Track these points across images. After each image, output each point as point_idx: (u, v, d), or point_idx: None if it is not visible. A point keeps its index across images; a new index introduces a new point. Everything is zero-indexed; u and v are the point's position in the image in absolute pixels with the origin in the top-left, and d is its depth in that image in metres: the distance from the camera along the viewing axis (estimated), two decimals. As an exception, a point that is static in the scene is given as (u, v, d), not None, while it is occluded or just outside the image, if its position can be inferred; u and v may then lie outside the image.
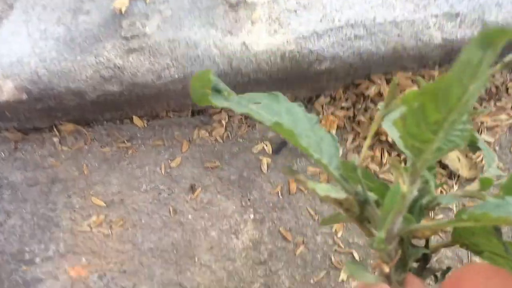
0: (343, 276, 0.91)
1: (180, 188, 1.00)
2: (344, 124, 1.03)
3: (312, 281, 0.91)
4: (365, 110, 1.01)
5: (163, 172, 1.01)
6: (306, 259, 0.93)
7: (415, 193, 0.44)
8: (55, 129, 1.05)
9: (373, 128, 0.54)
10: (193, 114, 1.07)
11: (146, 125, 1.06)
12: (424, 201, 0.58)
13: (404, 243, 0.61)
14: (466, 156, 0.96)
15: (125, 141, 1.04)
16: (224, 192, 0.99)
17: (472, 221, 0.39)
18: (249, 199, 0.98)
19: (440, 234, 0.94)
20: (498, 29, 0.34)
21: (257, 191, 0.99)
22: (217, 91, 0.41)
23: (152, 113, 1.06)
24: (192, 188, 1.00)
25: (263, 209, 0.98)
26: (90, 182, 1.01)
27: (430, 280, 0.81)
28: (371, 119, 1.00)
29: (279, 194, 0.99)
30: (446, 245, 0.70)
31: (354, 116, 1.02)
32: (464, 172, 0.95)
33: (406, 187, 0.42)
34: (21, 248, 0.94)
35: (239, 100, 0.43)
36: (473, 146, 0.71)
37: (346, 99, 1.03)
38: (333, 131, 1.02)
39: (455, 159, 0.96)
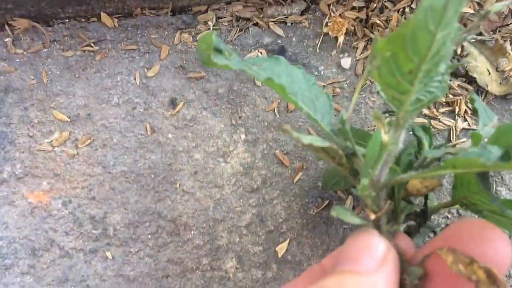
0: (348, 203, 0.78)
1: (159, 102, 0.84)
2: (355, 29, 0.85)
3: (312, 211, 0.79)
4: (381, 11, 0.84)
5: (138, 82, 0.85)
6: (305, 187, 0.80)
7: (400, 145, 0.48)
8: (6, 27, 0.86)
9: (360, 84, 0.54)
10: (173, 13, 0.89)
11: (117, 25, 0.88)
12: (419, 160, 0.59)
13: (395, 197, 0.59)
14: (497, 69, 0.81)
15: (92, 44, 0.86)
16: (210, 108, 0.84)
17: (450, 168, 0.41)
18: (240, 117, 0.83)
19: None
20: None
21: (250, 107, 0.84)
22: (219, 51, 0.46)
23: (124, 9, 0.87)
24: (173, 103, 0.84)
25: (257, 128, 0.83)
26: (50, 92, 0.84)
27: (428, 238, 0.67)
28: (387, 22, 0.83)
29: (275, 111, 0.83)
30: (446, 205, 0.61)
31: (368, 18, 0.85)
32: (494, 87, 0.80)
33: (387, 137, 0.46)
34: (-30, 169, 0.80)
35: (239, 60, 0.46)
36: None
37: (358, -2, 0.85)
38: (341, 38, 0.85)
39: (484, 72, 0.81)
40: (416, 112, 0.49)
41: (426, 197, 0.68)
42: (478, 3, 0.82)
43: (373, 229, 0.47)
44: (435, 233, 0.72)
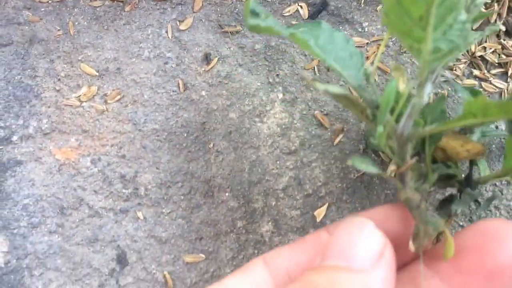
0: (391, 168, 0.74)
1: (192, 57, 0.79)
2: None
3: (352, 176, 0.75)
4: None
5: (169, 36, 0.80)
6: (346, 150, 0.76)
7: (425, 98, 0.47)
8: (30, -25, 0.81)
9: (386, 38, 0.54)
10: (208, -38, 0.83)
11: (147, -25, 0.82)
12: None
13: (426, 154, 0.57)
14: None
15: (121, -6, 0.82)
16: (246, 65, 0.79)
17: (471, 117, 0.42)
18: (277, 75, 0.79)
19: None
20: None
21: (288, 65, 0.79)
22: (256, 14, 0.46)
23: (156, -42, 0.82)
24: (207, 58, 0.79)
25: (295, 87, 0.78)
26: (77, 44, 0.80)
27: (472, 206, 0.63)
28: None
29: (315, 70, 0.79)
30: (496, 176, 0.56)
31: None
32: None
33: (404, 86, 0.47)
34: (-5, 122, 0.76)
35: (276, 23, 0.46)
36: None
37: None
38: None
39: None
40: (438, 64, 0.47)
41: (471, 163, 0.64)
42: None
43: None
44: (478, 202, 0.68)
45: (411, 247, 0.47)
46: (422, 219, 0.49)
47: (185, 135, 0.76)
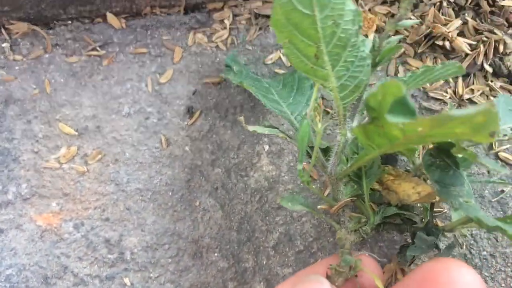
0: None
1: (173, 111, 0.77)
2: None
3: (343, 229, 0.73)
4: (415, 6, 0.76)
5: (149, 89, 0.78)
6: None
7: (349, 136, 0.52)
8: (3, 31, 0.79)
9: (315, 93, 0.57)
10: (186, 11, 0.81)
11: (124, 26, 0.80)
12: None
13: (364, 195, 0.57)
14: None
15: (98, 48, 0.79)
16: (230, 117, 0.77)
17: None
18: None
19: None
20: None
21: (273, 114, 0.77)
22: (229, 67, 0.63)
23: (132, 8, 0.79)
24: (189, 111, 0.77)
25: (281, 139, 0.76)
26: (54, 103, 0.77)
27: (433, 253, 0.63)
28: (422, 18, 0.76)
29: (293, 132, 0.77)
30: (462, 223, 0.54)
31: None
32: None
33: (319, 125, 0.51)
34: (-28, 190, 0.73)
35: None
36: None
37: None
38: (371, 35, 0.78)
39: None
40: (349, 100, 0.50)
41: (431, 206, 0.63)
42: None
43: (324, 278, 0.49)
44: (438, 249, 0.65)
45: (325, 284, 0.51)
46: (341, 259, 0.53)
47: (170, 193, 0.74)
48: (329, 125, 0.76)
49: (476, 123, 0.32)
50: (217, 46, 0.79)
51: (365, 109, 0.42)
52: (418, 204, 0.64)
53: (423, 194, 0.55)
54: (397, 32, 0.76)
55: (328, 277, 0.54)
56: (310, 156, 0.57)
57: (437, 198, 0.58)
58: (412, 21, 0.53)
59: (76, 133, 0.76)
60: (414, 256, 0.61)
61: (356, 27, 0.47)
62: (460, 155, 0.53)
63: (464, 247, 0.71)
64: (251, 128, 0.55)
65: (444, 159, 0.52)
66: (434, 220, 0.63)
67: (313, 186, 0.53)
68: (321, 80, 0.50)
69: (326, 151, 0.60)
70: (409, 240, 0.68)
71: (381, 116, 0.39)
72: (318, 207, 0.70)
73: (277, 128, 0.60)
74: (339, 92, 0.50)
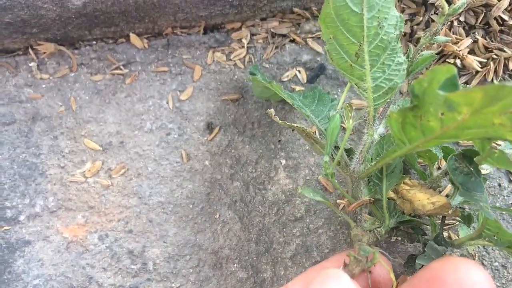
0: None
1: (193, 127, 0.80)
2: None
3: (359, 241, 0.75)
4: (427, 25, 0.79)
5: (170, 106, 0.81)
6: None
7: (376, 137, 0.56)
8: (31, 51, 0.83)
9: (347, 87, 0.65)
10: (205, 31, 0.84)
11: (146, 46, 0.84)
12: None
13: (383, 196, 0.59)
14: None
15: (121, 67, 0.83)
16: (248, 132, 0.80)
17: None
18: (279, 141, 0.79)
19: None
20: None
21: (289, 130, 0.80)
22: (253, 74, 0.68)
23: (154, 29, 0.83)
24: (209, 127, 0.80)
25: (297, 153, 0.79)
26: (80, 119, 0.81)
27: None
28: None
29: (317, 133, 0.79)
30: (471, 238, 0.56)
31: (412, 32, 0.80)
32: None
33: (350, 121, 0.54)
34: (1, 203, 0.76)
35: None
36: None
37: (403, 10, 0.80)
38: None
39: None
40: (381, 101, 0.55)
41: (443, 219, 0.65)
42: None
43: (343, 271, 0.49)
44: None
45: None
46: (358, 250, 0.54)
47: (191, 206, 0.77)
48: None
49: None
50: (235, 64, 0.83)
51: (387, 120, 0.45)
52: (427, 218, 0.66)
53: (438, 205, 0.57)
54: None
55: (345, 266, 0.54)
56: (333, 158, 0.59)
57: (450, 211, 0.61)
58: (445, 38, 0.57)
59: (101, 148, 0.79)
60: (422, 265, 0.63)
61: (397, 32, 0.52)
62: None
63: (476, 258, 0.73)
64: (280, 121, 0.57)
65: (467, 166, 0.55)
66: (444, 233, 0.65)
67: (335, 181, 0.55)
68: (357, 80, 0.54)
69: (349, 152, 0.62)
70: (416, 252, 0.71)
71: (423, 104, 0.41)
72: (337, 201, 0.72)
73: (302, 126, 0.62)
74: (373, 92, 0.54)
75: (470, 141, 0.71)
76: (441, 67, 0.40)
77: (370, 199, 0.60)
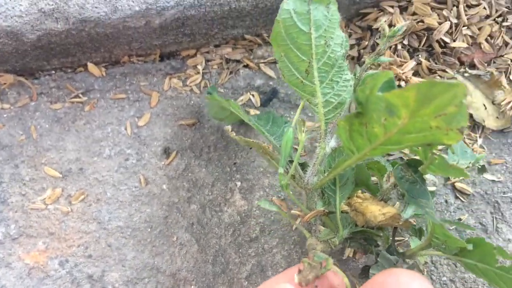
0: (347, 252, 0.77)
1: (151, 152, 0.82)
2: (348, 67, 0.84)
3: (312, 259, 0.77)
4: (373, 48, 0.82)
5: (129, 132, 0.83)
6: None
7: (328, 150, 0.59)
8: (-8, 82, 0.85)
9: (301, 105, 0.62)
10: (162, 58, 0.87)
11: (104, 74, 0.86)
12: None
13: (336, 207, 0.62)
14: (493, 102, 0.79)
15: (80, 95, 0.85)
16: (204, 156, 0.82)
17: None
18: (234, 163, 0.82)
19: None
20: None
21: (244, 153, 0.82)
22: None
23: (111, 58, 0.85)
24: (166, 152, 0.82)
25: (252, 174, 0.81)
26: (40, 148, 0.83)
27: None
28: (378, 64, 0.82)
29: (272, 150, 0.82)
30: (421, 249, 0.59)
31: (359, 56, 0.83)
32: (490, 122, 0.79)
33: (303, 135, 0.57)
34: (-37, 232, 0.78)
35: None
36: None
37: (350, 35, 0.83)
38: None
39: (480, 107, 0.79)
40: (331, 115, 0.58)
41: (394, 230, 0.68)
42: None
43: (290, 285, 0.52)
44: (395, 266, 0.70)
45: (295, 278, 0.55)
46: (313, 256, 0.57)
47: (149, 230, 0.79)
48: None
49: (449, 114, 0.37)
50: (191, 90, 0.85)
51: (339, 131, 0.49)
52: (381, 233, 0.69)
53: (388, 216, 0.60)
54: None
55: (299, 272, 0.56)
56: (287, 172, 0.61)
57: (400, 222, 0.63)
58: (388, 58, 0.60)
59: (61, 175, 0.81)
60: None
61: (343, 51, 0.56)
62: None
63: (425, 273, 0.75)
64: (237, 137, 0.60)
65: (412, 174, 0.58)
66: (395, 246, 0.68)
67: (290, 192, 0.58)
68: (309, 96, 0.57)
69: (303, 166, 0.65)
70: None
71: (367, 111, 0.44)
72: (292, 211, 0.74)
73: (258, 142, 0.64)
74: (323, 107, 0.57)
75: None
76: (380, 72, 0.44)
77: (324, 210, 0.63)
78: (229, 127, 0.59)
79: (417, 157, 0.60)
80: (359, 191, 0.65)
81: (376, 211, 0.61)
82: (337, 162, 0.55)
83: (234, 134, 0.60)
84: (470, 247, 0.55)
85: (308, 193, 0.62)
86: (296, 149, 0.60)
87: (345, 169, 0.56)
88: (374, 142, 0.46)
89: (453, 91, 0.36)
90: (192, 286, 0.76)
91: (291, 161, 0.63)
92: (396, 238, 0.77)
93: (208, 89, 0.81)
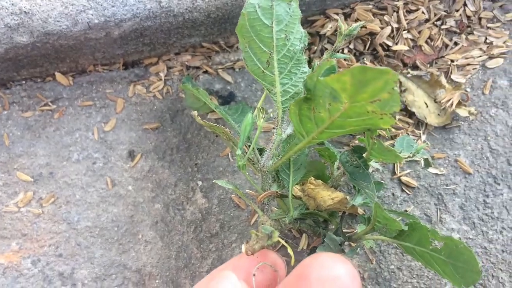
0: (301, 244, 0.82)
1: (117, 155, 0.87)
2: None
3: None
4: (322, 52, 0.87)
5: (96, 137, 0.88)
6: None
7: (283, 136, 0.63)
8: (-35, 93, 0.89)
9: (262, 99, 0.73)
10: (126, 66, 0.92)
11: (72, 83, 0.91)
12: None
13: (289, 190, 0.67)
14: (435, 100, 0.84)
15: (49, 103, 0.90)
16: (167, 158, 0.87)
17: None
18: (196, 164, 0.87)
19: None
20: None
21: (205, 154, 0.87)
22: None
23: (77, 67, 0.90)
24: (131, 155, 0.87)
25: (212, 174, 0.86)
26: (13, 154, 0.87)
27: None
28: (331, 63, 0.87)
29: (230, 156, 0.87)
30: (365, 233, 0.65)
31: (310, 59, 0.88)
32: (432, 119, 0.84)
33: (261, 121, 0.60)
34: None
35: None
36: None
37: (302, 40, 0.89)
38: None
39: (422, 105, 0.84)
40: (288, 104, 0.63)
41: (343, 214, 0.74)
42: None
43: (232, 272, 0.57)
44: (343, 251, 0.74)
45: (243, 248, 0.60)
46: (260, 229, 0.61)
47: (116, 229, 0.84)
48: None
49: (383, 100, 0.43)
50: (154, 96, 0.90)
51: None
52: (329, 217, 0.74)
53: (336, 200, 0.66)
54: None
55: (247, 243, 0.60)
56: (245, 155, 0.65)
57: (347, 207, 0.69)
58: (344, 55, 0.66)
59: (32, 179, 0.86)
60: None
61: (302, 45, 0.62)
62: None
63: (374, 262, 0.80)
64: (202, 122, 0.64)
65: (357, 160, 0.64)
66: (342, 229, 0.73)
67: (246, 173, 0.62)
68: (269, 85, 0.63)
69: (261, 151, 0.69)
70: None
71: (314, 97, 0.49)
72: (247, 190, 0.79)
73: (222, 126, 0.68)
74: (281, 96, 0.63)
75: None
76: (325, 61, 0.50)
77: (277, 192, 0.68)
78: (195, 113, 0.63)
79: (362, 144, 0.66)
80: (312, 178, 0.70)
81: (326, 196, 0.67)
82: (290, 145, 0.61)
83: (200, 119, 0.64)
84: (405, 228, 0.61)
85: (263, 175, 0.66)
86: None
87: (297, 152, 0.61)
88: (320, 126, 0.52)
89: (385, 77, 0.41)
90: (157, 281, 0.81)
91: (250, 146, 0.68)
92: (347, 230, 0.82)
93: (184, 79, 0.86)
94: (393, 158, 0.61)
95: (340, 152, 0.69)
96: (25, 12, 0.77)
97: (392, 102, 0.45)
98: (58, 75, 0.89)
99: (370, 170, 0.78)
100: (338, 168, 0.73)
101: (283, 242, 0.62)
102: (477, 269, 0.55)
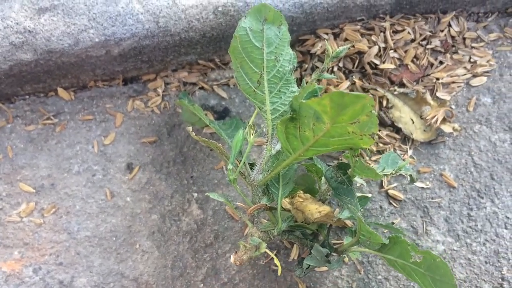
0: (292, 254, 0.86)
1: (116, 168, 0.91)
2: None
3: (261, 262, 0.86)
4: (313, 70, 0.91)
5: (96, 150, 0.92)
6: (255, 238, 0.87)
7: (273, 152, 0.66)
8: (-29, 107, 0.93)
9: (254, 115, 0.76)
10: (125, 82, 0.96)
11: (73, 98, 0.95)
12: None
13: (278, 204, 0.69)
14: (421, 117, 0.88)
15: (52, 117, 0.94)
16: (164, 170, 0.91)
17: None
18: (191, 177, 0.91)
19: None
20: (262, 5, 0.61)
21: (200, 167, 0.91)
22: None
23: (79, 83, 0.94)
24: (129, 167, 0.91)
25: (207, 186, 0.90)
26: (16, 166, 0.91)
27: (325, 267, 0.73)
28: (319, 81, 0.91)
29: (224, 169, 0.91)
30: (350, 245, 0.69)
31: (301, 77, 0.92)
32: (418, 135, 0.88)
33: (252, 138, 0.64)
34: None
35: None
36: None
37: (295, 58, 0.92)
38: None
39: (408, 122, 0.88)
40: (277, 121, 0.65)
41: (329, 227, 0.77)
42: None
43: None
44: (329, 262, 0.77)
45: (231, 259, 0.64)
46: (249, 240, 0.64)
47: (114, 239, 0.87)
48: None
49: (362, 122, 0.47)
50: (152, 111, 0.94)
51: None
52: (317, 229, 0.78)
53: (323, 213, 0.70)
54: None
55: (235, 253, 0.64)
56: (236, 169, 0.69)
57: (334, 220, 0.72)
58: (330, 75, 0.70)
59: (34, 190, 0.90)
60: (309, 266, 0.73)
61: (291, 66, 0.67)
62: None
63: (362, 272, 0.84)
64: (196, 137, 0.68)
65: (341, 176, 0.67)
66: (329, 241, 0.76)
67: (237, 187, 0.66)
68: (259, 103, 0.67)
69: (251, 165, 0.72)
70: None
71: (299, 117, 0.53)
72: (238, 203, 0.82)
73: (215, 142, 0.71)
74: (271, 114, 0.67)
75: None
76: (309, 85, 0.54)
77: (266, 205, 0.71)
78: (190, 128, 0.66)
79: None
80: (301, 192, 0.74)
81: (314, 209, 0.71)
82: (278, 161, 0.64)
83: (194, 134, 0.67)
84: (386, 241, 0.64)
85: (253, 188, 0.70)
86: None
87: (285, 168, 0.64)
88: (306, 143, 0.56)
89: (362, 102, 0.45)
90: (153, 289, 0.85)
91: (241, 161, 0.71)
92: (337, 241, 0.85)
93: (180, 94, 0.90)
94: (373, 176, 0.64)
95: (328, 166, 0.72)
96: (29, 31, 0.81)
97: (370, 124, 0.49)
98: (60, 90, 0.93)
99: (358, 184, 0.81)
100: (325, 183, 0.77)
101: (270, 253, 0.65)
102: (453, 282, 0.58)
